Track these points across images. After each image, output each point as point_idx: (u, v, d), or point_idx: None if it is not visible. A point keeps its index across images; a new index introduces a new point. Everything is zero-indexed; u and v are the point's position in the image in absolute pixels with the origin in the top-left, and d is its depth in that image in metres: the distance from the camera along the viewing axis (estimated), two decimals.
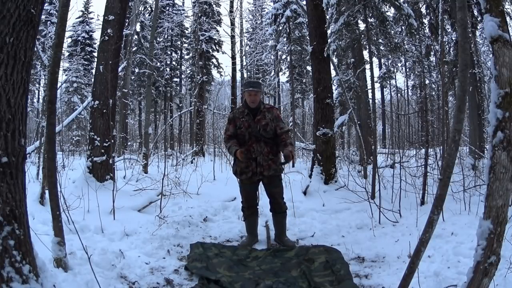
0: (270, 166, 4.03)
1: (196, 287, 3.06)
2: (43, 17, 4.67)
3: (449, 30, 11.14)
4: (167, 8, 22.33)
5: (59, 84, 5.19)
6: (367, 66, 8.46)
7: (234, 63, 20.51)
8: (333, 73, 8.34)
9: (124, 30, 8.27)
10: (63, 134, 15.15)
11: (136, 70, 20.84)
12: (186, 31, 24.00)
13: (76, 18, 25.62)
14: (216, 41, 21.32)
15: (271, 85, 22.14)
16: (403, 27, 8.05)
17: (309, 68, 15.28)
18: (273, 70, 22.80)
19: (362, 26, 8.03)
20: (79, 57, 23.06)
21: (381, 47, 9.27)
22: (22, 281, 2.16)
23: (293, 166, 4.32)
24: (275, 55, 19.66)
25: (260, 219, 4.45)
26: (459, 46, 2.38)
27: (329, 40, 6.95)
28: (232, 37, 20.08)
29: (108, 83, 5.92)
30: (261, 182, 4.21)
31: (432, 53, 11.96)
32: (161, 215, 4.74)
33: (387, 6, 7.13)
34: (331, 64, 7.66)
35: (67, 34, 20.76)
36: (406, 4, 7.40)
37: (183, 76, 25.75)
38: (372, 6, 6.67)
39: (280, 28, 15.02)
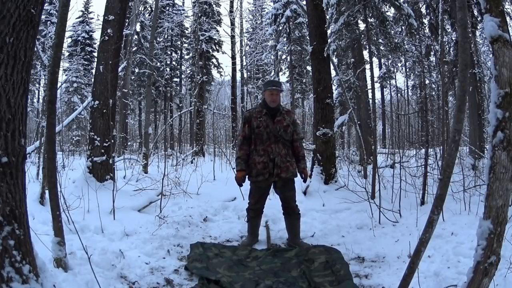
0: (288, 168, 3.99)
1: (196, 287, 3.06)
2: (43, 17, 4.67)
3: (449, 30, 11.15)
4: (167, 8, 22.33)
5: (59, 84, 5.19)
6: (367, 66, 8.46)
7: (234, 63, 20.53)
8: (333, 73, 8.34)
9: (124, 30, 8.27)
10: (63, 134, 15.15)
11: (136, 70, 20.84)
12: (186, 31, 24.01)
13: (76, 18, 25.65)
14: (216, 41, 21.33)
15: None
16: (403, 27, 8.07)
17: (309, 68, 15.29)
18: (273, 70, 22.79)
19: (362, 26, 8.05)
20: (79, 57, 23.07)
21: (381, 47, 9.27)
22: (22, 281, 2.16)
23: (304, 181, 4.33)
24: (275, 55, 19.66)
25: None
26: (459, 46, 2.38)
27: (329, 40, 6.95)
28: (232, 37, 20.10)
29: (108, 83, 5.92)
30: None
31: (432, 53, 11.97)
32: (161, 215, 4.74)
33: (387, 6, 7.13)
34: (331, 64, 7.67)
35: (67, 34, 20.77)
36: (406, 4, 7.40)
37: (183, 76, 25.75)
38: (372, 6, 6.67)
39: (280, 28, 15.03)
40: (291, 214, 4.13)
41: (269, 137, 3.97)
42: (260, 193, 4.11)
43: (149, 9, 20.80)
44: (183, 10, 23.65)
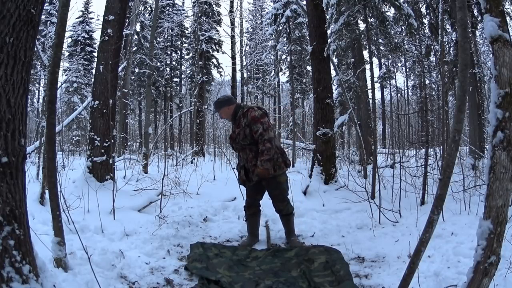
0: (254, 171, 3.98)
1: (196, 287, 3.06)
2: (43, 17, 4.67)
3: (449, 30, 11.14)
4: (167, 8, 22.33)
5: (59, 84, 5.19)
6: (367, 66, 8.45)
7: (234, 63, 20.52)
8: (333, 73, 8.34)
9: (124, 30, 8.27)
10: (63, 134, 15.15)
11: (136, 70, 20.84)
12: (186, 31, 24.01)
13: (76, 18, 25.67)
14: (216, 41, 21.32)
15: (271, 85, 22.15)
16: (403, 27, 8.07)
17: (309, 68, 15.27)
18: (273, 70, 22.80)
19: (362, 26, 8.04)
20: (79, 57, 23.08)
21: (381, 47, 9.27)
22: (22, 281, 2.16)
23: (274, 171, 4.08)
24: (275, 55, 19.63)
25: (260, 219, 4.44)
26: (459, 46, 2.38)
27: (329, 40, 6.95)
28: (232, 37, 20.09)
29: (108, 83, 5.92)
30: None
31: (432, 53, 11.96)
32: (161, 215, 4.74)
33: (387, 6, 7.13)
34: (331, 64, 7.66)
35: (67, 34, 20.78)
36: (406, 4, 7.40)
37: (183, 76, 25.75)
38: (372, 6, 6.67)
39: (280, 28, 15.01)
40: (279, 213, 4.22)
41: (236, 147, 4.14)
42: (249, 190, 4.26)
43: (149, 9, 20.81)
44: (183, 10, 23.65)
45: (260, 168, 3.82)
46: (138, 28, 19.24)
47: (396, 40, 7.71)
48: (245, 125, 3.94)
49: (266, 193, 4.25)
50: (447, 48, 11.17)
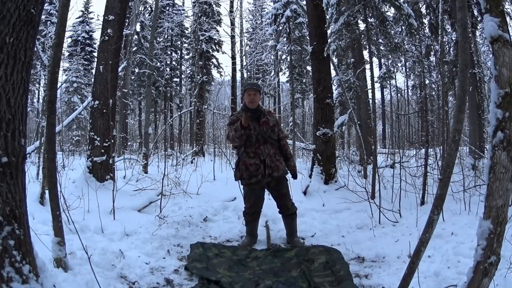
0: (278, 167, 4.04)
1: (196, 287, 3.06)
2: (43, 17, 4.67)
3: (449, 30, 11.14)
4: (167, 8, 22.33)
5: (59, 84, 5.19)
6: (367, 66, 8.46)
7: (234, 63, 20.52)
8: (333, 73, 8.34)
9: (124, 30, 8.27)
10: (63, 134, 15.15)
11: (136, 70, 20.84)
12: (186, 31, 24.02)
13: (76, 18, 25.69)
14: (216, 41, 21.33)
15: (271, 85, 22.15)
16: (403, 27, 8.06)
17: (309, 68, 15.27)
18: (273, 70, 22.81)
19: (362, 26, 8.05)
20: (79, 57, 23.08)
21: (381, 47, 9.28)
22: (22, 281, 2.16)
23: (294, 178, 4.35)
24: (275, 55, 19.65)
25: (260, 219, 4.44)
26: (459, 46, 2.38)
27: (329, 40, 6.95)
28: (232, 37, 20.09)
29: (108, 83, 5.92)
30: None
31: (432, 53, 11.96)
32: (161, 215, 4.74)
33: (387, 6, 7.14)
34: (331, 64, 7.67)
35: (67, 34, 20.79)
36: (406, 4, 7.40)
37: (183, 76, 25.75)
38: (372, 6, 6.68)
39: (280, 28, 15.03)
40: (286, 213, 4.19)
41: (258, 139, 4.02)
42: (255, 196, 4.14)
43: (149, 9, 20.81)
44: (183, 10, 23.66)
45: (296, 167, 4.32)
46: (138, 28, 19.23)
47: (396, 40, 7.72)
48: (274, 123, 4.15)
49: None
50: (447, 48, 11.18)
